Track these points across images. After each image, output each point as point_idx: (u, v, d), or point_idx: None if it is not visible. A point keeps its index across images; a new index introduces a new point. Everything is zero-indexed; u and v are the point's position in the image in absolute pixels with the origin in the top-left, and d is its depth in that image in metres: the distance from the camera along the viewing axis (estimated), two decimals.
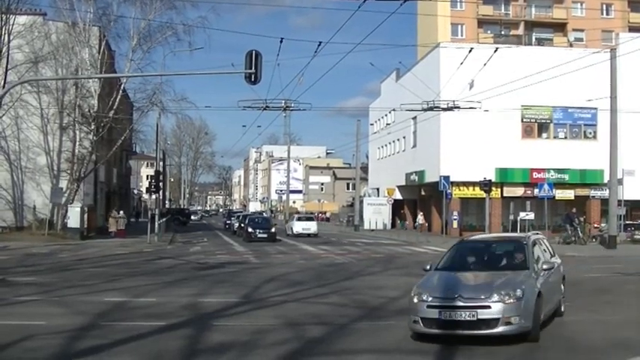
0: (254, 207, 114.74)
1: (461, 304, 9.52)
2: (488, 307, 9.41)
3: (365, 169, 71.07)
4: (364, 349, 9.87)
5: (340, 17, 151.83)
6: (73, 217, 36.74)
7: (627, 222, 39.68)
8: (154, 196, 42.38)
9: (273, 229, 40.21)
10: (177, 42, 39.14)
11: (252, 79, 19.18)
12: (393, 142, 57.84)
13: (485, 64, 33.95)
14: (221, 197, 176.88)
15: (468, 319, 9.42)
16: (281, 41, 24.84)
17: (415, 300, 9.88)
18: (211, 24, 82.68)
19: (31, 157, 39.43)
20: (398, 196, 56.15)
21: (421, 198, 53.57)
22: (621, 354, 9.32)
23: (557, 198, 41.21)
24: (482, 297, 9.55)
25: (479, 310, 9.40)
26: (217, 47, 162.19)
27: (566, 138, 46.57)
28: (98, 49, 38.46)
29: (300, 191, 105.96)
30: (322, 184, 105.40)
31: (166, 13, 39.11)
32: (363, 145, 64.72)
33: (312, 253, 30.64)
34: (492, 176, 41.94)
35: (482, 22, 65.28)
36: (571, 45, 57.13)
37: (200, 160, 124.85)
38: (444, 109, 34.77)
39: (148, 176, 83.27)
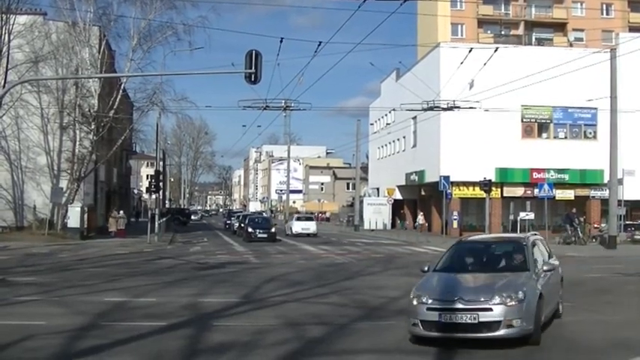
0: (254, 207, 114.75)
1: (461, 306, 9.33)
2: (490, 309, 9.23)
3: (365, 169, 71.08)
4: (364, 349, 9.87)
5: (340, 17, 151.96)
6: (73, 217, 36.74)
7: (627, 222, 39.69)
8: (154, 196, 42.40)
9: (273, 229, 40.22)
10: (177, 42, 39.20)
11: (253, 79, 19.18)
12: (393, 141, 57.84)
13: (485, 64, 33.94)
14: (221, 197, 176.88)
15: (469, 321, 9.24)
16: (281, 41, 24.87)
17: (414, 302, 9.69)
18: (211, 24, 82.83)
19: (32, 157, 39.43)
20: (398, 196, 56.15)
21: (421, 198, 53.57)
22: (622, 354, 9.33)
23: (557, 198, 41.20)
24: (484, 299, 9.37)
25: (480, 313, 9.22)
26: (217, 47, 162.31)
27: (566, 138, 46.58)
28: (98, 48, 38.46)
29: (300, 191, 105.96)
30: (322, 184, 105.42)
31: (166, 13, 39.18)
32: (363, 145, 64.84)
33: (312, 253, 30.65)
34: (492, 176, 41.94)
35: (482, 22, 65.27)
36: (571, 45, 57.14)
37: (200, 160, 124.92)
38: (444, 109, 34.79)
39: (148, 176, 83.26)
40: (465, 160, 43.47)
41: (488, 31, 63.22)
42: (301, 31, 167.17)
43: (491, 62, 34.12)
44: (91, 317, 12.25)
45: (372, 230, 53.69)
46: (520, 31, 65.42)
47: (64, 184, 38.42)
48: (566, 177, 45.44)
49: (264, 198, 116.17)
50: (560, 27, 65.96)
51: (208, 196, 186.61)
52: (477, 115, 38.36)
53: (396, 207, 57.91)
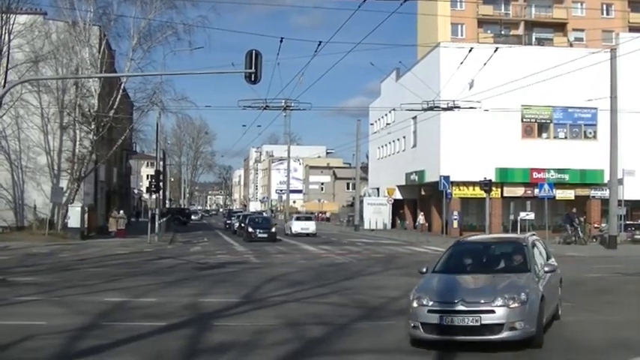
0: (254, 207, 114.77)
1: (463, 308, 9.15)
2: (492, 311, 9.07)
3: (365, 168, 71.09)
4: (365, 349, 9.87)
5: (340, 17, 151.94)
6: (74, 217, 36.74)
7: (627, 222, 39.72)
8: (154, 196, 42.39)
9: (273, 229, 40.22)
10: (177, 41, 39.22)
11: (253, 79, 19.18)
12: (393, 141, 57.84)
13: (485, 64, 33.95)
14: (221, 197, 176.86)
15: (471, 324, 9.06)
16: (281, 41, 24.88)
17: (415, 304, 9.49)
18: (211, 23, 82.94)
19: (32, 157, 39.43)
20: (398, 195, 56.16)
21: (421, 198, 53.58)
22: (622, 354, 9.34)
23: (557, 198, 41.21)
24: (486, 301, 9.19)
25: (482, 315, 9.06)
26: (217, 47, 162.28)
27: (566, 138, 46.58)
28: (98, 48, 38.47)
29: (300, 191, 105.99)
30: (322, 183, 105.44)
31: (166, 13, 39.21)
32: (363, 145, 64.86)
33: (313, 252, 30.65)
34: (492, 176, 41.92)
35: (483, 22, 65.26)
36: (571, 45, 57.16)
37: (200, 160, 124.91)
38: (444, 109, 34.78)
39: (148, 176, 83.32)
40: (465, 160, 43.47)
41: (489, 31, 63.19)
42: (301, 31, 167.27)
43: (491, 62, 34.12)
44: (92, 317, 12.26)
45: (372, 230, 53.69)
46: (520, 31, 65.42)
47: (64, 183, 38.43)
48: (567, 177, 45.45)
49: (264, 198, 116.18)
50: (560, 27, 65.96)
51: (208, 196, 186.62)
52: (477, 115, 38.35)
53: (396, 207, 57.92)
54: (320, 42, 23.80)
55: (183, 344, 10.10)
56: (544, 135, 46.64)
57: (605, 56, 33.64)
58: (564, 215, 38.22)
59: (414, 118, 47.65)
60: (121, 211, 44.79)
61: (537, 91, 40.17)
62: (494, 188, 41.98)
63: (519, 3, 66.45)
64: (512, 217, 39.89)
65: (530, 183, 44.32)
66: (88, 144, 39.04)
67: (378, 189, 63.56)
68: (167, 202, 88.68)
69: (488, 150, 43.72)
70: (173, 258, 26.70)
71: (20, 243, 32.08)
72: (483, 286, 10.06)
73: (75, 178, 38.53)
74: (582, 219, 38.89)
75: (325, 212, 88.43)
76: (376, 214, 56.88)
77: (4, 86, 30.79)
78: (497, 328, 9.05)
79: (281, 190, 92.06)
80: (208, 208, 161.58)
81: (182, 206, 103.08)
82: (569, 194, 44.96)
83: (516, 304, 9.13)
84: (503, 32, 62.59)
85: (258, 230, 39.65)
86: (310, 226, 47.35)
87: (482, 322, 9.06)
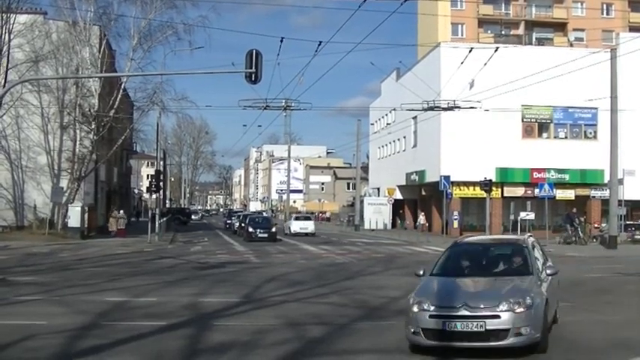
0: (254, 206, 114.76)
1: (467, 313, 8.77)
2: (498, 316, 8.70)
3: (365, 168, 71.10)
4: (365, 349, 9.86)
5: (340, 17, 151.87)
6: (74, 217, 36.75)
7: (628, 222, 39.72)
8: (154, 196, 42.42)
9: (273, 229, 40.23)
10: (177, 41, 39.26)
11: (253, 79, 19.19)
12: (394, 141, 57.84)
13: (485, 64, 33.96)
14: (221, 197, 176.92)
15: (476, 329, 8.69)
16: (281, 40, 24.90)
17: (415, 309, 9.10)
18: (212, 23, 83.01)
19: (32, 157, 39.44)
20: (398, 195, 56.16)
21: (421, 198, 53.57)
22: (622, 354, 9.34)
23: (557, 198, 41.18)
24: (491, 306, 8.81)
25: (487, 321, 8.68)
26: (218, 46, 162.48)
27: (566, 138, 46.58)
28: (99, 48, 38.48)
29: (300, 191, 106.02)
30: (323, 183, 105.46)
31: (167, 13, 39.24)
32: (363, 145, 64.88)
33: (313, 252, 30.65)
34: (493, 176, 41.91)
35: (483, 22, 65.27)
36: (571, 45, 57.17)
37: (200, 160, 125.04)
38: (445, 109, 34.80)
39: (148, 175, 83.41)
40: (465, 160, 43.47)
41: (489, 31, 63.21)
42: (301, 30, 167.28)
43: (492, 62, 34.13)
44: (92, 317, 12.26)
45: (373, 230, 53.70)
46: (520, 30, 65.41)
47: (64, 183, 38.45)
48: (567, 177, 45.45)
49: (264, 198, 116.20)
50: (560, 27, 65.95)
51: (209, 196, 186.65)
52: (478, 115, 38.36)
53: (397, 207, 57.92)
54: (320, 42, 23.85)
55: (183, 344, 10.10)
56: (544, 135, 46.64)
57: (606, 56, 33.64)
58: (564, 215, 38.22)
59: (415, 118, 47.65)
60: (121, 211, 44.81)
61: (537, 91, 40.17)
62: (494, 188, 41.97)
63: (519, 3, 66.44)
64: (512, 217, 39.89)
65: (530, 183, 44.32)
66: (89, 144, 39.06)
67: (378, 189, 63.56)
68: (167, 201, 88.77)
69: (488, 150, 43.72)
70: (173, 258, 26.71)
71: (20, 242, 32.09)
72: (486, 289, 9.77)
73: (75, 178, 38.54)
74: (582, 219, 38.89)
75: (325, 212, 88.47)
76: (376, 214, 56.89)
77: (4, 86, 30.79)
78: (502, 333, 8.70)
79: (281, 190, 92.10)
80: (208, 207, 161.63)
81: (182, 206, 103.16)
82: (569, 194, 44.96)
83: (522, 309, 8.78)
84: (503, 32, 62.60)
85: (258, 230, 39.66)
86: (309, 226, 47.47)
87: (487, 327, 8.70)
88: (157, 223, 38.25)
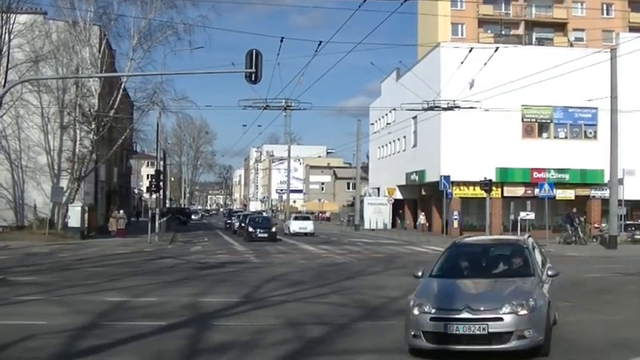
0: (254, 206, 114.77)
1: (469, 316, 8.60)
2: (500, 319, 8.54)
3: (365, 168, 71.11)
4: (365, 349, 9.86)
5: (341, 17, 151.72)
6: (74, 217, 36.76)
7: (628, 222, 39.71)
8: (154, 196, 42.42)
9: (273, 229, 40.25)
10: (177, 41, 39.26)
11: (253, 79, 19.19)
12: (394, 141, 57.84)
13: (485, 64, 33.94)
14: (221, 197, 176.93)
15: (478, 332, 8.53)
16: (281, 40, 24.92)
17: (415, 312, 8.93)
18: (212, 23, 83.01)
19: (32, 157, 39.44)
20: (398, 195, 56.16)
21: (421, 198, 53.58)
22: (622, 354, 9.33)
23: (557, 198, 41.17)
24: (493, 308, 8.66)
25: (490, 323, 8.52)
26: (218, 46, 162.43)
27: (566, 138, 46.59)
28: (99, 48, 38.48)
29: (300, 191, 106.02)
30: (323, 183, 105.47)
31: (167, 12, 39.25)
32: (363, 145, 64.90)
33: (313, 252, 30.65)
34: (493, 176, 41.90)
35: (483, 22, 65.29)
36: (571, 45, 57.16)
37: (200, 160, 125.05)
38: (445, 109, 34.80)
39: (148, 175, 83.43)
40: (465, 159, 43.48)
41: (489, 31, 63.22)
42: (301, 30, 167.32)
43: (492, 62, 34.12)
44: (92, 317, 12.26)
45: (373, 230, 53.71)
46: (520, 30, 65.42)
47: (64, 183, 38.45)
48: (567, 177, 45.45)
49: (264, 198, 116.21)
50: (560, 27, 65.96)
51: (209, 196, 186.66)
52: (478, 115, 38.35)
53: (397, 207, 57.92)
54: (320, 42, 23.85)
55: (183, 344, 10.10)
56: (544, 135, 46.65)
57: (606, 56, 33.64)
58: (564, 215, 38.22)
59: (415, 117, 47.66)
60: (121, 211, 44.80)
61: (537, 91, 40.17)
62: (494, 188, 41.96)
63: (519, 3, 66.45)
64: (512, 217, 39.87)
65: (530, 183, 44.32)
66: (89, 144, 39.06)
67: (378, 189, 63.57)
68: (167, 201, 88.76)
69: (488, 150, 43.73)
70: (173, 257, 26.70)
71: (20, 242, 32.08)
72: (488, 291, 9.59)
73: (75, 178, 38.54)
74: (582, 219, 38.89)
75: (325, 212, 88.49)
76: (376, 214, 56.91)
77: (4, 86, 30.79)
78: (505, 336, 8.55)
79: (281, 190, 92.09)
80: (208, 207, 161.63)
81: (182, 206, 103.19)
82: (569, 194, 44.96)
83: (525, 311, 8.62)
84: (503, 32, 62.61)
85: (258, 230, 39.67)
86: (308, 226, 47.58)
87: (490, 330, 8.54)
88: (156, 223, 38.25)
